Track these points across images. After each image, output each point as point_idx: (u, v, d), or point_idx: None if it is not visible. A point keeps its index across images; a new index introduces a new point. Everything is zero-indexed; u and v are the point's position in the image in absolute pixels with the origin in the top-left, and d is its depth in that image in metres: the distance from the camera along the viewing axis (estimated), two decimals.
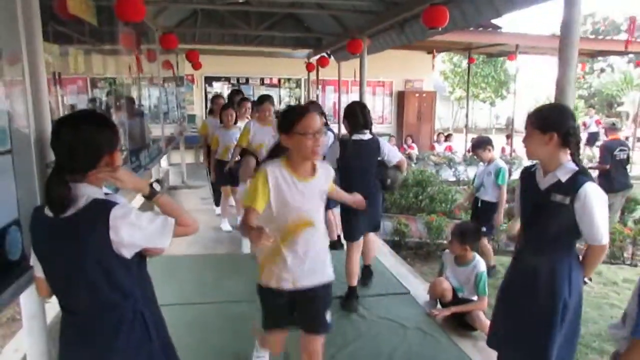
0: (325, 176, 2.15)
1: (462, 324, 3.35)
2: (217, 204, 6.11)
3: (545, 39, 11.28)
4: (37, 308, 1.90)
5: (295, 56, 9.99)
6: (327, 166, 2.24)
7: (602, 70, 25.83)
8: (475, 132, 14.54)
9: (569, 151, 2.03)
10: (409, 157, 11.89)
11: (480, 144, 4.86)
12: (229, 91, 8.32)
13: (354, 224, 3.49)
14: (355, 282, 3.56)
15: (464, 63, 21.64)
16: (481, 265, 3.42)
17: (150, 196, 1.57)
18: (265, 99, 4.81)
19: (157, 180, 1.65)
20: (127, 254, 1.46)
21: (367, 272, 4.05)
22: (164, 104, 6.36)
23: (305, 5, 6.45)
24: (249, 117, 5.54)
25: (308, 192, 2.04)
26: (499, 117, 29.81)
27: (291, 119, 1.99)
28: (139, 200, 5.46)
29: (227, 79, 13.30)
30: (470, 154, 12.00)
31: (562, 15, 2.51)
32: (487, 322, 2.81)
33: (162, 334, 1.67)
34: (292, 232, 2.04)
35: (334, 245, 4.33)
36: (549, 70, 27.10)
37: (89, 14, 2.80)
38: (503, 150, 12.20)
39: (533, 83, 24.21)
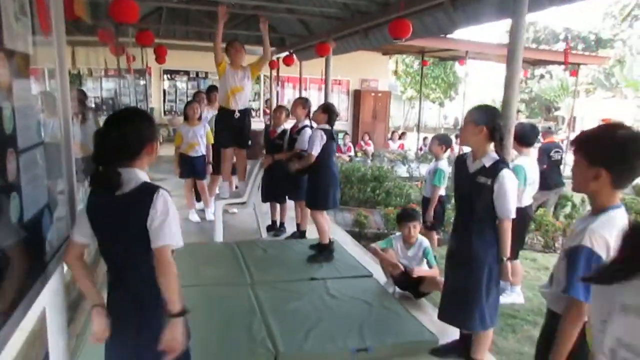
0: None
1: (417, 293, 3.86)
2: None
3: (491, 47, 12.15)
4: (59, 285, 2.10)
5: (257, 53, 10.14)
6: None
7: (542, 77, 27.55)
8: (425, 131, 15.31)
9: (493, 143, 2.56)
10: (365, 153, 12.44)
11: (439, 139, 5.00)
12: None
13: (329, 196, 4.44)
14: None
15: (416, 64, 22.53)
16: (425, 241, 3.98)
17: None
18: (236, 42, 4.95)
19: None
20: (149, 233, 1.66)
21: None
22: (134, 96, 6.45)
23: (273, 9, 6.71)
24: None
25: None
26: (447, 117, 31.23)
27: None
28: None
29: (186, 73, 13.27)
30: (422, 152, 12.73)
31: (509, 36, 2.98)
32: (442, 281, 3.11)
33: None
34: None
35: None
36: (494, 74, 28.73)
37: (86, 13, 2.98)
38: (452, 149, 12.96)
39: (479, 86, 25.60)
